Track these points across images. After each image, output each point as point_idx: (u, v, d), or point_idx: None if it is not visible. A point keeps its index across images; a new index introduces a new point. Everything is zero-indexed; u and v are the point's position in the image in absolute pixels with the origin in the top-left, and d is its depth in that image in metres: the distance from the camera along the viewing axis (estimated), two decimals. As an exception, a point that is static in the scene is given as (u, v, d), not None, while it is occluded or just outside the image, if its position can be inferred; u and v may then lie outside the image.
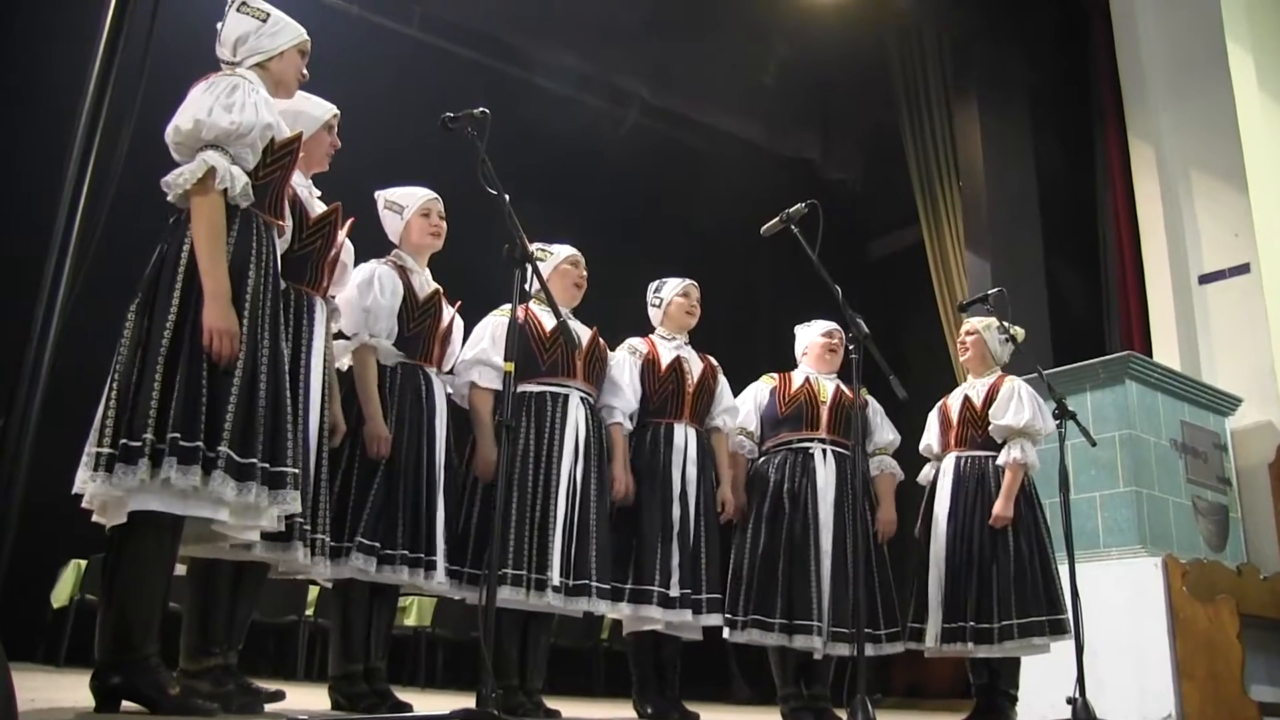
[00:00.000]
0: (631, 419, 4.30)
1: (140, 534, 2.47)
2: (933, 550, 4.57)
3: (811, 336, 4.85)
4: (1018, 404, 4.54)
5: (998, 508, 4.43)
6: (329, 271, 3.14)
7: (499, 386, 3.85)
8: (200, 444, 2.44)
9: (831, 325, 4.83)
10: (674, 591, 4.10)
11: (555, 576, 3.70)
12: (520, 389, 3.88)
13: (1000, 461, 4.53)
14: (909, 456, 4.87)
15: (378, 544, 3.30)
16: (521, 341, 3.88)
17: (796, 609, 4.31)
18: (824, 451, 4.55)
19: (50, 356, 1.24)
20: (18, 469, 1.20)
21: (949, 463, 4.67)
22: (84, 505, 2.54)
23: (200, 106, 2.63)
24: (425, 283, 3.72)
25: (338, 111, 3.27)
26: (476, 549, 3.72)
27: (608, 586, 3.92)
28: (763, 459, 4.69)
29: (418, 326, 3.61)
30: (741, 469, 4.67)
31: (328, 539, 3.07)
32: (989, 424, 4.59)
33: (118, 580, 2.48)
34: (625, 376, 4.29)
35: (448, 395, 3.80)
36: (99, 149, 1.28)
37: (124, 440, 2.40)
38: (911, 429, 4.90)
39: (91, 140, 1.28)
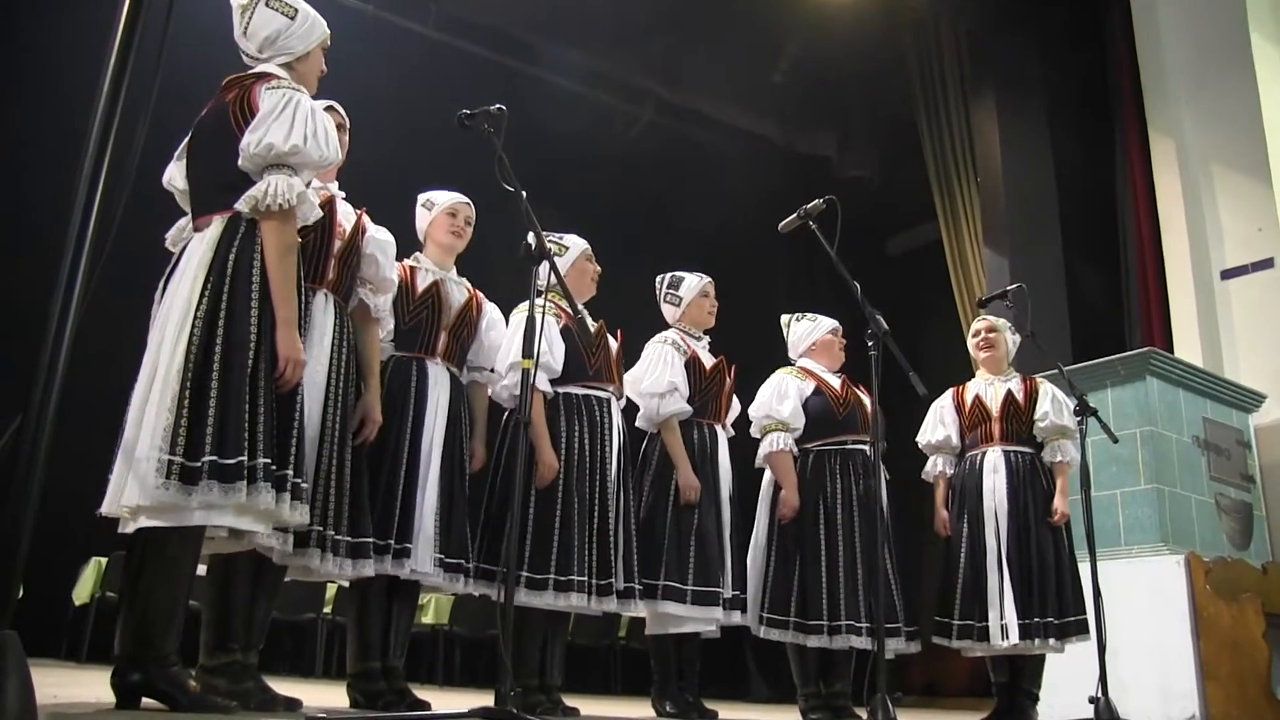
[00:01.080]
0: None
1: (164, 535, 2.47)
2: (989, 546, 4.51)
3: (819, 332, 4.78)
4: (1065, 407, 4.58)
5: (1060, 504, 4.46)
6: (338, 265, 3.11)
7: (546, 389, 3.85)
8: (290, 473, 2.55)
9: (833, 321, 4.81)
10: (728, 593, 4.18)
11: (620, 581, 3.81)
12: (565, 391, 3.92)
13: (1052, 459, 4.57)
14: (911, 454, 4.85)
15: (391, 541, 3.31)
16: (570, 345, 3.91)
17: (813, 608, 4.29)
18: (870, 450, 4.48)
19: (66, 354, 1.23)
20: (35, 465, 1.20)
21: (996, 458, 4.61)
22: (107, 511, 2.51)
23: (296, 130, 2.65)
24: (428, 276, 3.71)
25: (334, 104, 3.27)
26: (534, 551, 3.70)
27: (678, 585, 4.04)
28: (814, 460, 4.56)
29: (414, 319, 3.62)
30: (792, 468, 4.52)
31: (333, 534, 3.05)
32: (1034, 422, 4.59)
33: (141, 580, 2.47)
34: (679, 375, 4.30)
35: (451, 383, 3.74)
36: (114, 145, 1.28)
37: (214, 458, 2.39)
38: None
39: (107, 136, 1.27)
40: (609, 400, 4.03)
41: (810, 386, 4.63)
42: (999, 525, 4.51)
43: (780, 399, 4.57)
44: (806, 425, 4.57)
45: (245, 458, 2.43)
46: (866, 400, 4.55)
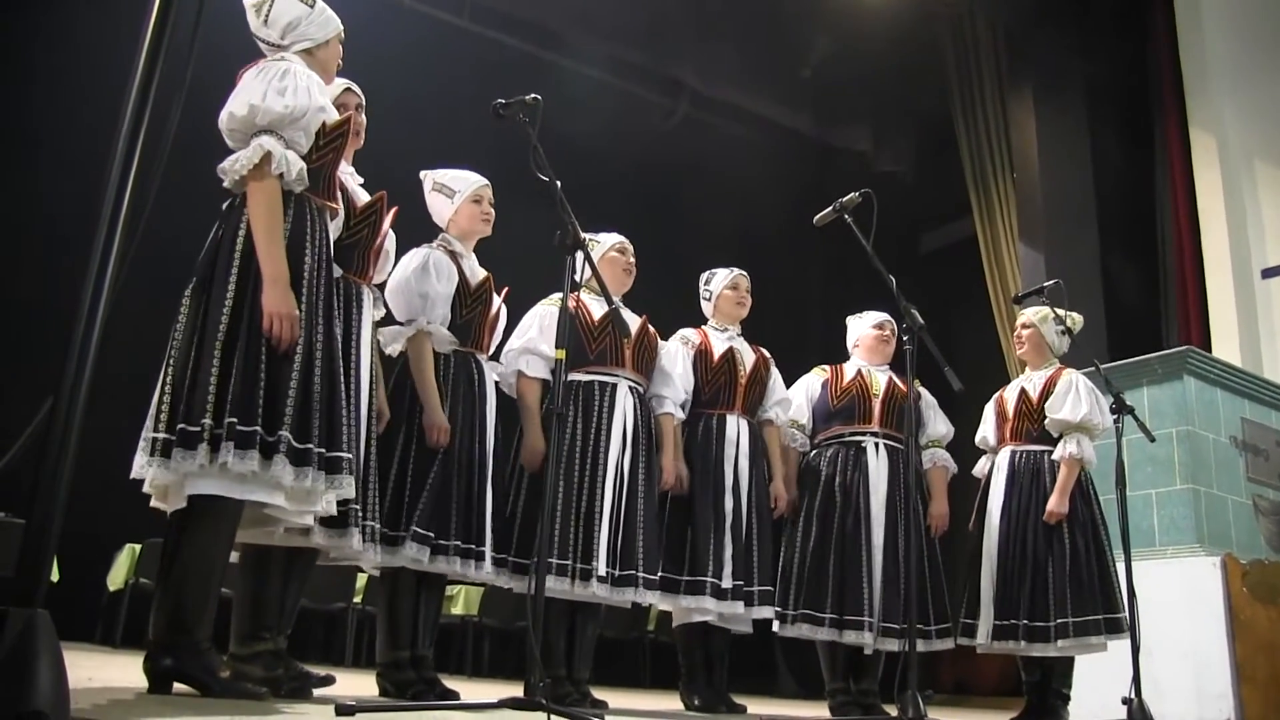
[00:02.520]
0: (683, 409, 4.27)
1: (200, 520, 2.49)
2: (985, 545, 4.50)
3: (863, 328, 4.80)
4: (1075, 398, 4.45)
5: (1052, 503, 4.35)
6: (374, 260, 3.15)
7: (546, 375, 3.85)
8: (258, 428, 2.45)
9: (883, 316, 4.78)
10: (726, 583, 4.08)
11: (601, 566, 3.70)
12: (569, 378, 3.86)
13: (1056, 456, 4.45)
14: (964, 449, 4.81)
15: (432, 534, 3.30)
16: (570, 330, 3.87)
17: (847, 604, 4.27)
18: (876, 445, 4.50)
19: (98, 338, 1.24)
20: (66, 449, 1.20)
21: (1004, 456, 4.61)
22: (145, 490, 2.56)
23: (254, 92, 2.64)
24: (475, 269, 3.72)
25: (350, 85, 3.27)
26: (522, 538, 3.72)
27: (655, 577, 3.90)
28: (814, 452, 4.65)
29: (470, 313, 3.59)
30: (793, 463, 4.64)
31: (379, 525, 3.08)
32: (1045, 417, 4.51)
33: (176, 564, 2.50)
34: (677, 367, 4.27)
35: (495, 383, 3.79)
36: (147, 128, 1.28)
37: (181, 425, 2.41)
38: (963, 422, 4.84)
39: (140, 120, 1.27)
40: (613, 385, 3.98)
41: (820, 382, 4.72)
42: (993, 525, 4.50)
43: (793, 396, 4.68)
44: (813, 419, 4.69)
45: (210, 421, 2.41)
46: (883, 390, 4.58)
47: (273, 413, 2.49)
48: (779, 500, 4.42)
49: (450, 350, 3.54)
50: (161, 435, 2.43)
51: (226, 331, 2.50)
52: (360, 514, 2.90)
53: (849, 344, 4.88)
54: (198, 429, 2.40)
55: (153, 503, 2.60)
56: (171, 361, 2.52)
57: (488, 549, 3.47)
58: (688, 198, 10.11)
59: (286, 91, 2.66)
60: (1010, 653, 4.40)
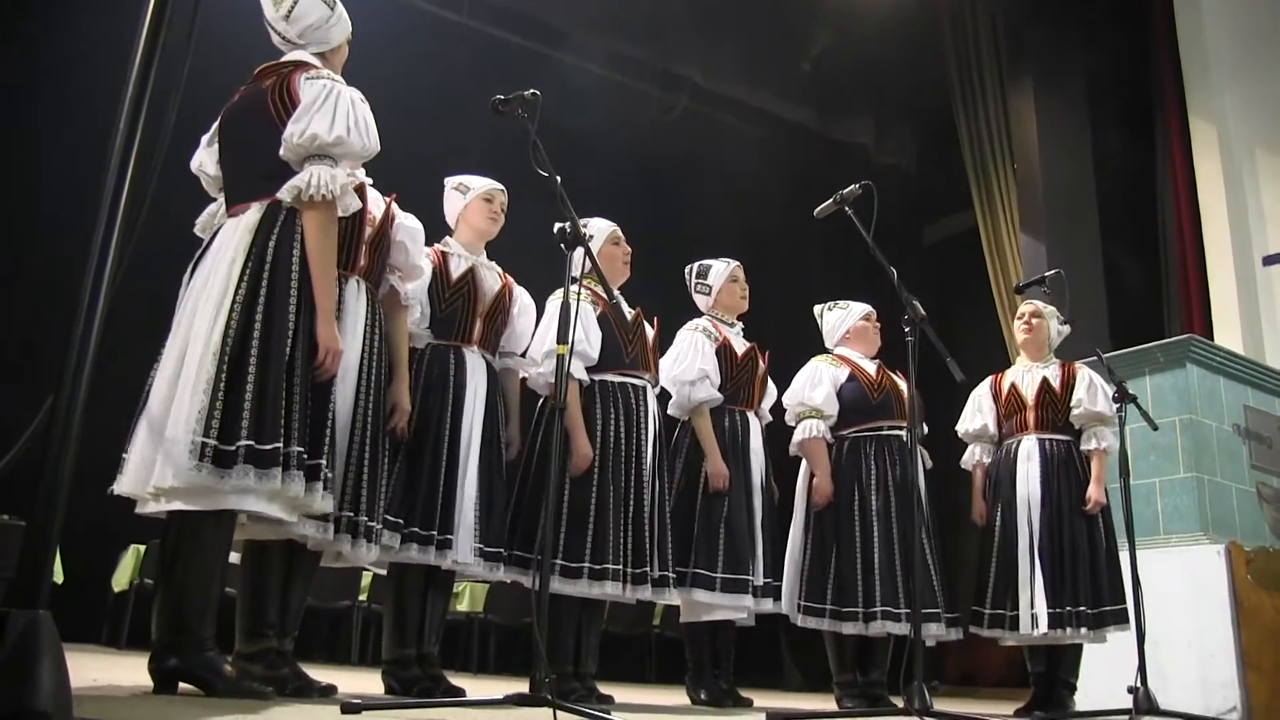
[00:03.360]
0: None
1: (198, 521, 2.50)
2: (1021, 534, 4.48)
3: (853, 319, 4.74)
4: (1103, 394, 4.54)
5: (1094, 492, 4.42)
6: (369, 252, 3.10)
7: (583, 376, 3.84)
8: (305, 453, 2.54)
9: (867, 306, 4.76)
10: (758, 580, 4.17)
11: (655, 570, 3.78)
12: (601, 378, 3.89)
13: (1089, 447, 4.52)
14: (948, 441, 4.81)
15: (400, 521, 3.29)
16: (606, 332, 3.89)
17: (864, 596, 4.24)
18: (906, 436, 4.45)
19: (97, 337, 1.23)
20: (65, 448, 1.20)
21: (1031, 446, 4.59)
22: (153, 484, 2.51)
23: (339, 121, 2.69)
24: (462, 263, 3.70)
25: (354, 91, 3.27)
26: (569, 539, 3.68)
27: (707, 572, 4.03)
28: (849, 446, 4.52)
29: (449, 307, 3.60)
30: (825, 456, 4.48)
31: (379, 525, 3.07)
32: (1070, 409, 4.55)
33: (176, 566, 2.50)
34: (709, 362, 4.28)
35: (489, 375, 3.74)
36: (144, 124, 1.28)
37: (250, 443, 2.42)
38: (955, 414, 4.85)
39: (137, 116, 1.27)
40: (645, 388, 4.00)
41: (845, 373, 4.58)
42: (1031, 514, 4.48)
43: (814, 386, 4.53)
44: (841, 412, 4.53)
45: (281, 444, 2.45)
46: (903, 385, 4.52)
47: (317, 440, 2.60)
48: (819, 495, 4.37)
49: (425, 344, 3.56)
50: (212, 442, 2.42)
51: (289, 358, 2.56)
52: (351, 513, 2.89)
53: (833, 335, 4.80)
54: (270, 449, 2.45)
55: (150, 508, 2.59)
56: (224, 368, 2.47)
57: (459, 537, 3.39)
58: (689, 192, 10.10)
59: (366, 133, 2.76)
60: (1058, 641, 4.37)
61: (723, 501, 4.19)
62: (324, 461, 2.60)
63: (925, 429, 4.60)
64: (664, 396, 4.33)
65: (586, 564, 3.63)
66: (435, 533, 3.35)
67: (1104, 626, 4.29)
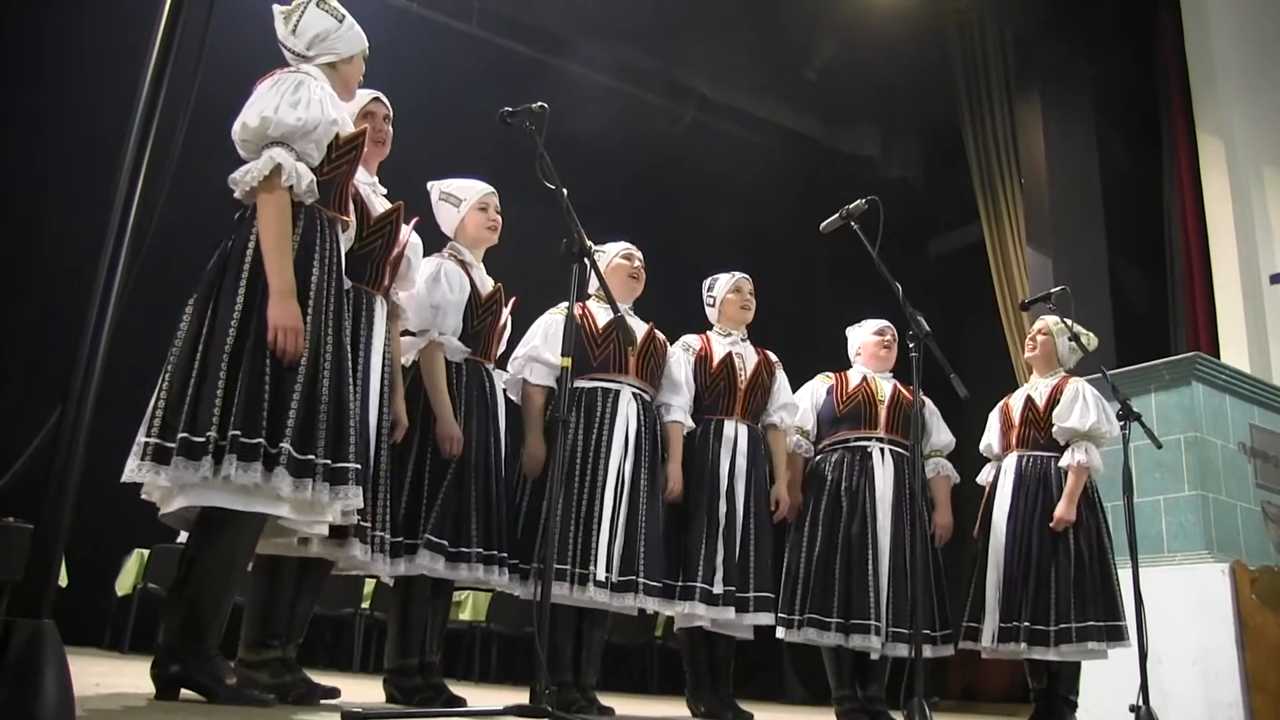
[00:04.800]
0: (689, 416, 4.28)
1: (221, 529, 2.50)
2: (991, 549, 4.51)
3: (864, 336, 4.82)
4: (1083, 406, 4.47)
5: (1060, 510, 4.36)
6: (391, 271, 3.13)
7: (550, 383, 3.86)
8: (262, 441, 2.44)
9: (883, 323, 4.80)
10: (717, 589, 4.07)
11: (600, 572, 3.69)
12: (573, 385, 3.86)
13: (1063, 464, 4.47)
14: (970, 456, 4.81)
15: (445, 542, 3.30)
16: (574, 337, 3.87)
17: (854, 609, 4.26)
18: (881, 450, 4.51)
19: (105, 348, 1.24)
20: (73, 458, 1.21)
21: (1010, 462, 4.61)
22: (143, 495, 2.57)
23: (267, 103, 2.65)
24: (485, 279, 3.72)
25: (378, 95, 3.27)
26: (526, 544, 3.72)
27: (657, 584, 3.90)
28: (819, 457, 4.65)
29: (480, 323, 3.61)
30: (798, 468, 4.64)
31: (388, 535, 3.08)
32: (1052, 425, 4.52)
33: (194, 572, 2.50)
34: (682, 374, 4.27)
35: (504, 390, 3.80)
36: (155, 137, 1.28)
37: (184, 435, 2.41)
38: (969, 430, 4.84)
39: (147, 132, 1.28)
40: (617, 392, 3.98)
41: (825, 387, 4.71)
42: (998, 530, 4.51)
43: (799, 402, 4.67)
44: (818, 424, 4.68)
45: (214, 434, 2.40)
46: (886, 398, 4.59)
47: (276, 425, 2.49)
48: (780, 505, 4.41)
49: (462, 359, 3.55)
50: (154, 440, 2.43)
51: (233, 343, 2.50)
52: (367, 524, 2.90)
53: (850, 353, 4.88)
54: (202, 440, 2.40)
55: (159, 510, 2.60)
56: (170, 367, 2.52)
57: (507, 554, 3.49)
58: (695, 202, 10.11)
59: (300, 104, 2.66)
60: (1012, 655, 4.40)
61: (678, 507, 4.17)
62: (289, 447, 2.50)
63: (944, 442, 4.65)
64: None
65: (534, 565, 3.65)
66: (495, 551, 3.44)
67: (1066, 643, 4.22)
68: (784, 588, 4.41)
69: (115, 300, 1.21)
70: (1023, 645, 4.27)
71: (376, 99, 3.27)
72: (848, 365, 4.85)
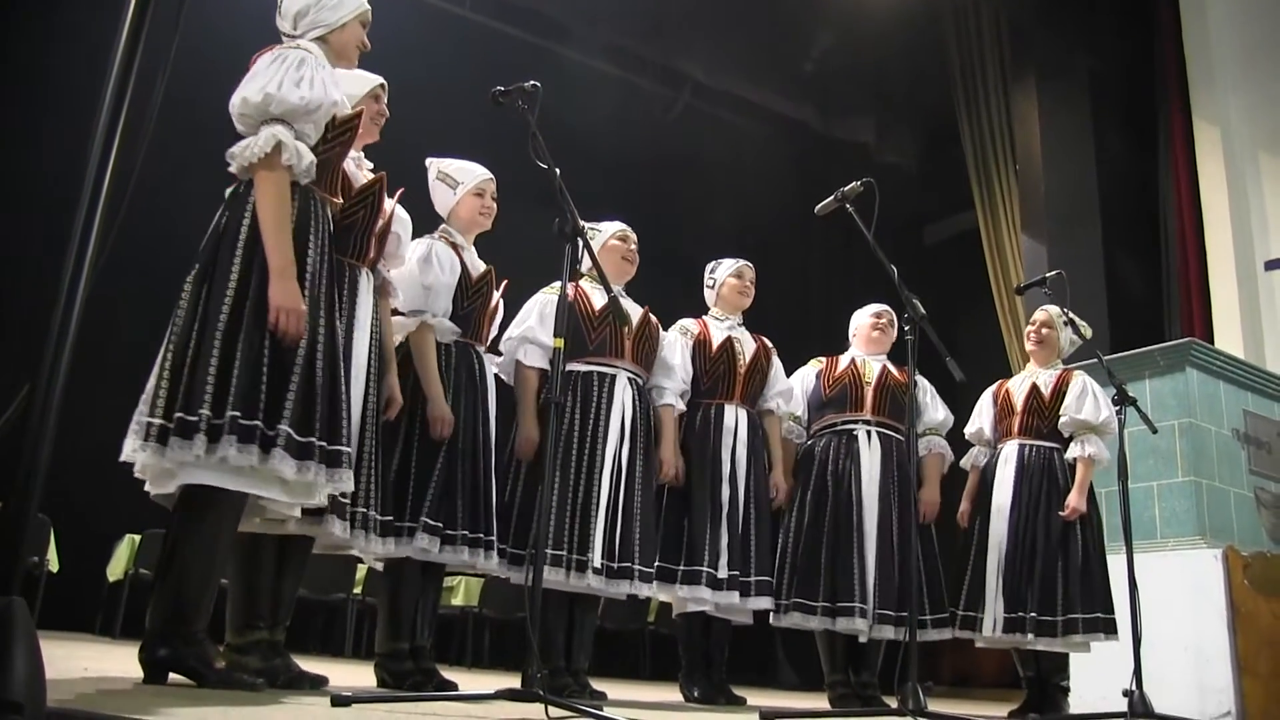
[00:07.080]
0: (683, 400, 4.26)
1: (203, 511, 2.48)
2: (992, 538, 4.49)
3: (860, 318, 4.81)
4: (1093, 401, 4.49)
5: (1072, 500, 4.38)
6: (376, 243, 3.10)
7: (544, 365, 3.83)
8: (259, 422, 2.42)
9: (880, 306, 4.78)
10: (722, 573, 4.07)
11: (596, 558, 3.68)
12: (567, 368, 3.83)
13: (1072, 455, 4.49)
14: (959, 441, 4.80)
15: (441, 524, 3.29)
16: (570, 319, 3.85)
17: (840, 591, 4.25)
18: (868, 433, 4.49)
19: (76, 321, 1.21)
20: (43, 433, 1.18)
21: (1011, 450, 4.60)
22: (137, 474, 2.55)
23: (270, 80, 2.61)
24: (476, 261, 3.70)
25: (383, 82, 3.23)
26: (519, 529, 3.70)
27: (651, 569, 3.89)
28: (809, 442, 4.65)
29: (470, 305, 3.58)
30: (791, 454, 4.63)
31: (377, 515, 3.05)
32: (1058, 416, 4.52)
33: (178, 555, 2.48)
34: (677, 357, 4.25)
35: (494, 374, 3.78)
36: (128, 107, 1.25)
37: (180, 414, 2.38)
38: (958, 415, 4.83)
39: (121, 98, 1.25)
40: (613, 376, 3.96)
41: (814, 372, 4.73)
42: (1000, 519, 4.49)
43: (792, 389, 4.66)
44: (808, 409, 4.70)
45: (208, 412, 2.38)
46: (873, 380, 4.58)
47: (274, 406, 2.47)
48: (779, 490, 4.40)
49: (452, 341, 3.52)
50: (158, 421, 2.41)
51: (228, 321, 2.46)
52: (350, 503, 2.87)
53: (850, 336, 4.88)
54: (196, 419, 2.37)
55: (150, 491, 2.58)
56: (171, 347, 2.49)
57: (495, 538, 3.47)
58: (690, 189, 10.08)
59: (302, 82, 2.63)
60: (1015, 645, 4.39)
61: (678, 493, 4.17)
62: (289, 428, 2.47)
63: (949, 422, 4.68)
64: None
65: (527, 550, 3.63)
66: (481, 534, 3.41)
67: (1074, 634, 4.24)
68: (774, 572, 4.40)
69: (88, 273, 1.18)
70: (1030, 635, 4.26)
71: (382, 84, 3.23)
72: (844, 348, 4.84)
